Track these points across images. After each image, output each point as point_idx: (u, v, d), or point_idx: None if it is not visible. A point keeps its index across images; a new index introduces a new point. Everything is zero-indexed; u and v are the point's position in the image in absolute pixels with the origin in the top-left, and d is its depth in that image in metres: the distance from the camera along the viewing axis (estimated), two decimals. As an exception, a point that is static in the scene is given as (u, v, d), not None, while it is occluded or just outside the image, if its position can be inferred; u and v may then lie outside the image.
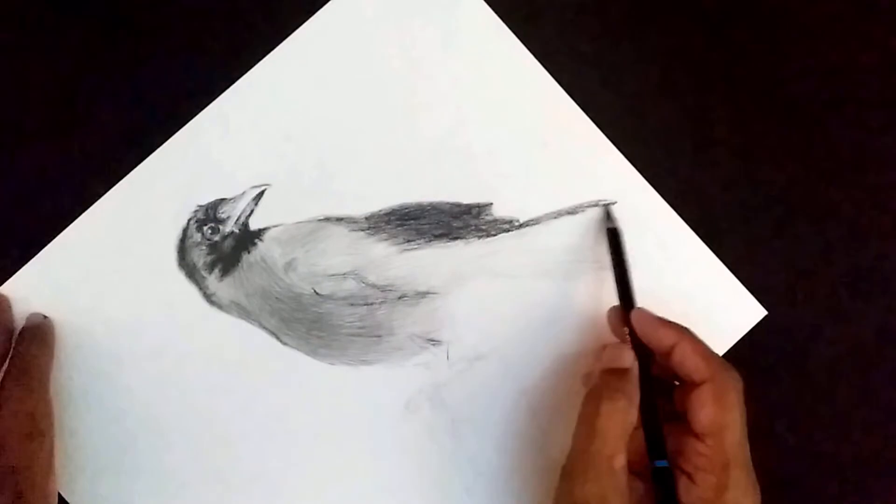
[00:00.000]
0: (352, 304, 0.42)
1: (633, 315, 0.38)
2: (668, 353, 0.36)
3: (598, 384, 0.36)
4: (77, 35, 0.42)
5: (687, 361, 0.35)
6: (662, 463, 0.35)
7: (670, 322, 0.37)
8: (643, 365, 0.36)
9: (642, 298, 0.41)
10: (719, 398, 0.34)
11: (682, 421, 0.35)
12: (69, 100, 0.42)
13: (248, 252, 0.42)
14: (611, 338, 0.39)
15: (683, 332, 0.36)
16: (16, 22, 0.42)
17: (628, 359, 0.37)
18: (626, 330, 0.37)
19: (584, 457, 0.34)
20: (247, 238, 0.42)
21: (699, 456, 0.34)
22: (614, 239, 0.40)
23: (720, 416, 0.34)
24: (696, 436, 0.34)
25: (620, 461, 0.34)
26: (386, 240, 0.42)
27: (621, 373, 0.36)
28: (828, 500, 0.42)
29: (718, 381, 0.35)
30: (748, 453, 0.35)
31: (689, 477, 0.34)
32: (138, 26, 0.42)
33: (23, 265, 0.41)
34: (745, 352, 0.42)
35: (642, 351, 0.37)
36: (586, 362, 0.41)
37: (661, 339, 0.36)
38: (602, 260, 0.42)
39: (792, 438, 0.42)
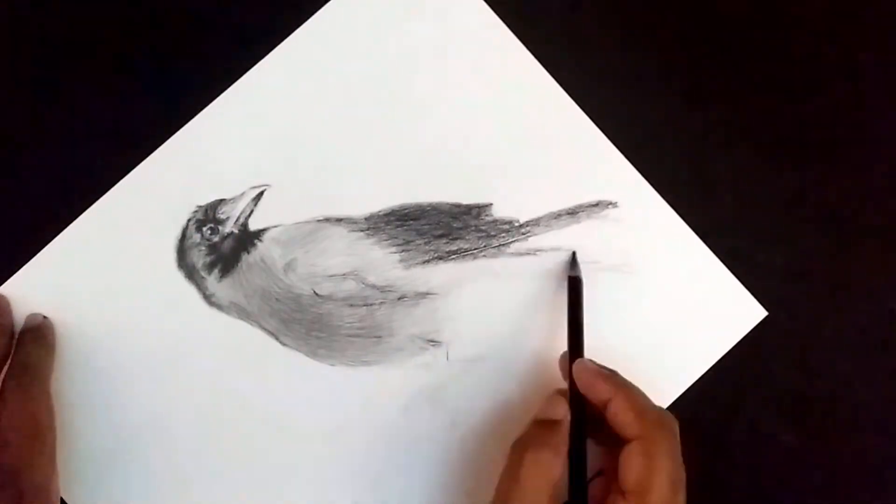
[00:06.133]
0: (351, 305, 0.42)
1: (575, 366, 0.37)
2: (604, 407, 0.35)
3: (526, 433, 0.36)
4: (77, 35, 0.42)
5: (620, 416, 0.35)
6: None
7: (609, 375, 0.36)
8: (578, 417, 0.36)
9: (642, 302, 0.41)
10: (647, 457, 0.34)
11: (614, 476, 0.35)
12: (69, 99, 0.42)
13: (248, 253, 0.42)
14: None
15: (621, 386, 0.36)
16: (14, 20, 0.42)
17: (560, 411, 0.36)
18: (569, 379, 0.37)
19: None
20: (246, 239, 0.42)
21: None
22: (575, 287, 0.40)
23: (646, 476, 0.33)
24: (622, 493, 0.34)
25: None
26: (385, 240, 0.42)
27: (551, 424, 0.36)
28: (828, 502, 0.42)
29: (648, 440, 0.34)
30: None
31: None
32: (138, 25, 0.42)
33: (23, 265, 0.41)
34: (745, 353, 0.42)
35: (580, 403, 0.36)
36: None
37: (598, 393, 0.36)
38: (602, 261, 0.42)
39: (792, 440, 0.42)
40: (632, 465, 0.34)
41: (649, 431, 0.34)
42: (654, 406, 0.36)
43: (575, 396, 0.37)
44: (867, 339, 0.43)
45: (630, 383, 0.36)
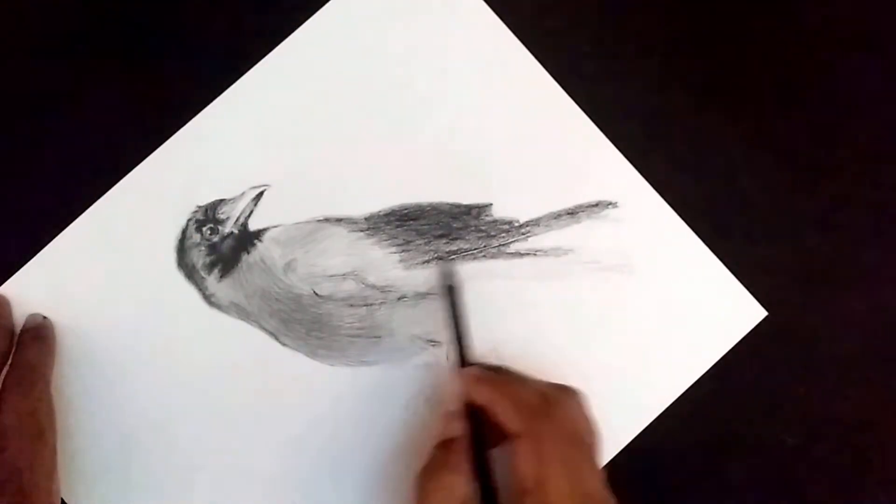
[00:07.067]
0: (351, 305, 0.42)
1: (457, 376, 0.36)
2: (490, 411, 0.34)
3: (427, 459, 0.35)
4: (77, 35, 0.42)
5: (500, 416, 0.34)
6: None
7: (490, 377, 0.35)
8: (476, 428, 0.35)
9: (643, 302, 0.41)
10: (534, 451, 0.32)
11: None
12: (68, 100, 0.42)
13: (248, 253, 0.42)
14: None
15: (501, 384, 0.35)
16: (15, 19, 0.42)
17: (456, 428, 0.35)
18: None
19: None
20: (246, 239, 0.42)
21: None
22: (451, 296, 0.39)
23: (536, 470, 0.32)
24: (521, 493, 0.32)
25: None
26: (385, 240, 0.42)
27: (449, 443, 0.35)
28: (828, 502, 0.42)
29: (532, 433, 0.33)
30: (594, 497, 0.33)
31: None
32: (137, 26, 0.42)
33: (23, 265, 0.41)
34: (746, 353, 0.42)
35: (475, 413, 0.35)
36: (586, 362, 0.41)
37: (480, 398, 0.35)
38: (602, 261, 0.42)
39: (792, 441, 0.42)
40: (520, 463, 0.33)
41: (531, 423, 0.33)
42: (539, 391, 0.34)
43: (468, 408, 0.36)
44: (867, 340, 0.43)
45: (516, 378, 0.35)
